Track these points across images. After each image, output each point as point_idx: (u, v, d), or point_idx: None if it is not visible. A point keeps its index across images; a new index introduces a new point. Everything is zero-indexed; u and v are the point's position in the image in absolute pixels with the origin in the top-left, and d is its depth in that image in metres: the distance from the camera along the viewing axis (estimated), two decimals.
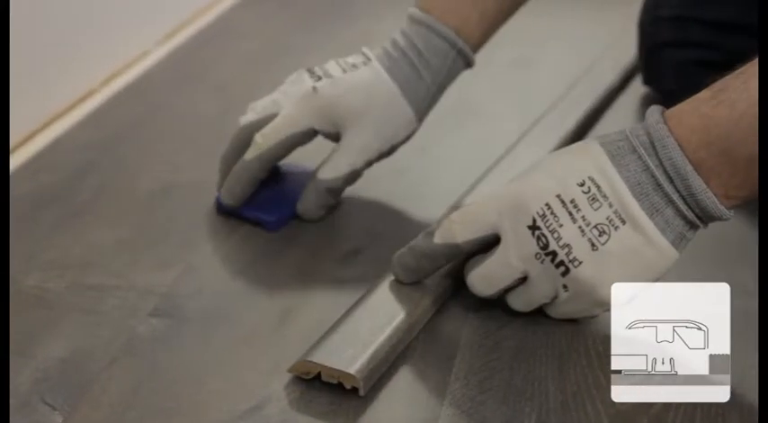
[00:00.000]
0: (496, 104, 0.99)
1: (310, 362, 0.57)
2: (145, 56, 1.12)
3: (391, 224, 0.76)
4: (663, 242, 0.58)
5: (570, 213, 0.58)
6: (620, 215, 0.58)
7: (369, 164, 0.74)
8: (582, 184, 0.58)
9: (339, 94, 0.72)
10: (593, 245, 0.58)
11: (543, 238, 0.59)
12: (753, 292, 0.65)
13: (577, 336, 0.62)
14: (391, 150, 0.75)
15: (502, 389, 0.57)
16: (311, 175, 0.75)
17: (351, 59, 0.75)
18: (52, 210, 0.77)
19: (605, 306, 0.59)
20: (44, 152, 0.88)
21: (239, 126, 0.75)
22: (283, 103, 0.74)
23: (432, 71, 0.74)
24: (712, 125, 0.56)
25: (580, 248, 0.58)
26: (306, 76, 0.74)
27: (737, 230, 0.72)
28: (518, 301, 0.62)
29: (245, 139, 0.74)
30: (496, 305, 0.64)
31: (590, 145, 0.60)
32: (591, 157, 0.59)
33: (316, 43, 1.16)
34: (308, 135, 0.73)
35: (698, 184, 0.57)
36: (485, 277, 0.62)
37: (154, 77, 1.05)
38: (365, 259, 0.70)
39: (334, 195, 0.75)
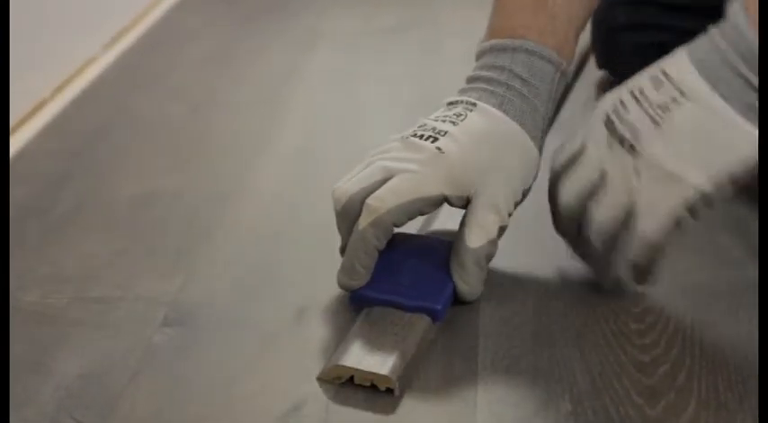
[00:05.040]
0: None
1: (342, 366, 0.57)
2: (93, 61, 1.10)
3: None
4: (728, 113, 0.57)
5: (637, 99, 0.60)
6: (681, 91, 0.58)
7: (510, 216, 0.65)
8: (652, 75, 0.60)
9: (466, 152, 0.62)
10: (654, 121, 0.59)
11: (611, 125, 0.60)
12: (743, 262, 0.68)
13: (590, 317, 0.63)
14: (524, 197, 0.66)
15: (530, 373, 0.58)
16: (445, 245, 0.64)
17: (449, 111, 0.65)
18: (35, 223, 0.75)
19: (683, 184, 0.58)
20: (11, 165, 0.85)
21: (345, 196, 0.63)
22: (399, 169, 0.62)
23: (542, 99, 0.65)
24: None
25: (643, 126, 0.59)
26: (414, 139, 0.63)
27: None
28: (602, 208, 0.61)
29: (354, 210, 0.62)
30: (506, 293, 0.66)
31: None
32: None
33: (265, 42, 1.16)
34: (437, 203, 0.62)
35: (751, 35, 0.56)
36: (572, 184, 0.62)
37: (109, 82, 1.03)
38: None
39: (489, 261, 0.64)
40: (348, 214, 0.63)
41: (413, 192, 0.61)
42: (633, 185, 0.59)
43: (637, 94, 0.60)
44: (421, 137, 0.63)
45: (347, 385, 0.57)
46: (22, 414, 0.55)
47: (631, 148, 0.59)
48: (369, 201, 0.61)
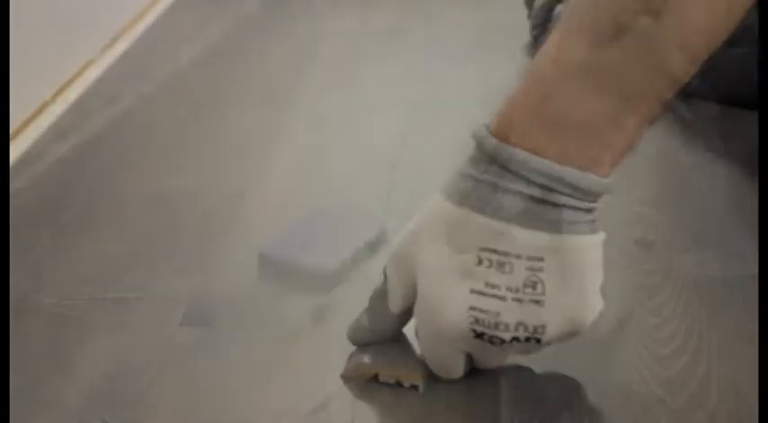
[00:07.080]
0: (461, 97, 1.00)
1: (366, 364, 0.57)
2: (91, 64, 1.10)
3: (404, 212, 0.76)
4: (583, 241, 0.51)
5: (495, 296, 0.51)
6: (532, 256, 0.50)
7: None
8: (480, 263, 0.51)
9: None
10: (537, 302, 0.51)
11: (496, 338, 0.52)
12: (754, 256, 0.68)
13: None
14: None
15: (552, 369, 0.58)
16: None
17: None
18: (47, 226, 0.75)
19: (587, 329, 0.54)
20: (16, 168, 0.85)
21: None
22: None
23: None
24: (536, 106, 0.50)
25: (532, 316, 0.51)
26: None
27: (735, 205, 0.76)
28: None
29: None
30: None
31: (450, 212, 0.52)
32: (463, 227, 0.51)
33: (265, 42, 1.16)
34: None
35: (574, 176, 0.50)
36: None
37: (110, 85, 1.03)
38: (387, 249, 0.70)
39: None
40: None
41: None
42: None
43: (488, 292, 0.51)
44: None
45: (372, 382, 0.57)
46: (51, 416, 0.55)
47: (537, 342, 0.53)
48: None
